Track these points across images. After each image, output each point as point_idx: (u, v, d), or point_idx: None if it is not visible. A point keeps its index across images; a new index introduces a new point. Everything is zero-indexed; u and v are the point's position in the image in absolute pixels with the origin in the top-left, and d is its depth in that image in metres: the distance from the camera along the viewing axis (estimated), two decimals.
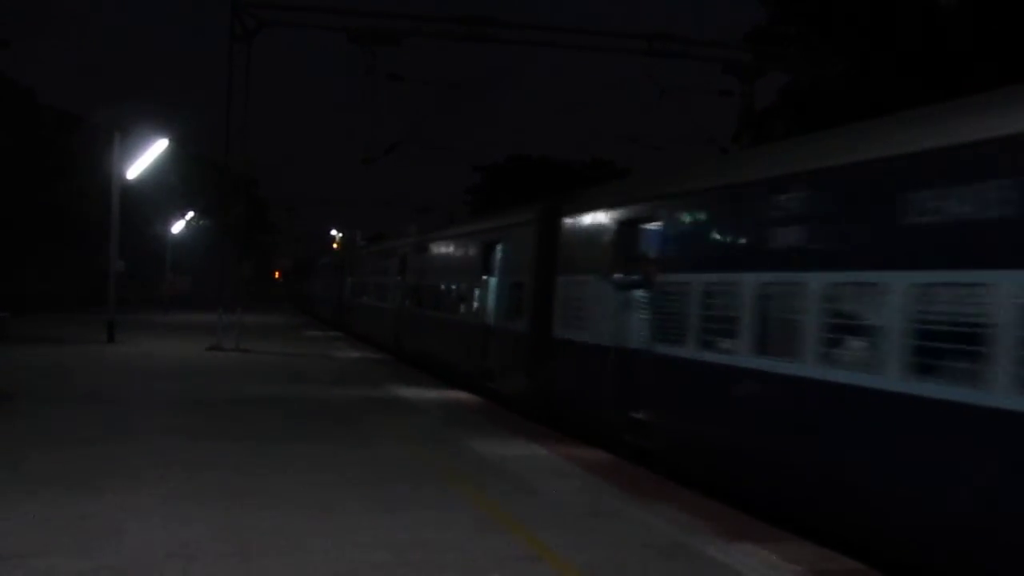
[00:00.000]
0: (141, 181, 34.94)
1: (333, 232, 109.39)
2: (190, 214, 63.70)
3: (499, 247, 19.30)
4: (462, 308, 21.79)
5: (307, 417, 14.86)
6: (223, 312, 29.17)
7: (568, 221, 15.64)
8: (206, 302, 49.50)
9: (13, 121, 44.64)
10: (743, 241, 10.51)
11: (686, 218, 11.82)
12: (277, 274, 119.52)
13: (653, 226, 12.54)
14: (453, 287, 22.96)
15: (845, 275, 8.54)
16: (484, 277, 20.00)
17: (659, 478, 10.94)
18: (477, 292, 20.51)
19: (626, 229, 13.32)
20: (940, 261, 7.54)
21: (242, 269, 49.45)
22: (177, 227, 61.53)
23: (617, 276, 13.24)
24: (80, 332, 31.93)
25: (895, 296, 7.86)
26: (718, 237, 11.19)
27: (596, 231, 14.37)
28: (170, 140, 31.89)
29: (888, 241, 8.16)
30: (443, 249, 24.82)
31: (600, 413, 13.39)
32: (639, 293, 12.65)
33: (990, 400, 6.90)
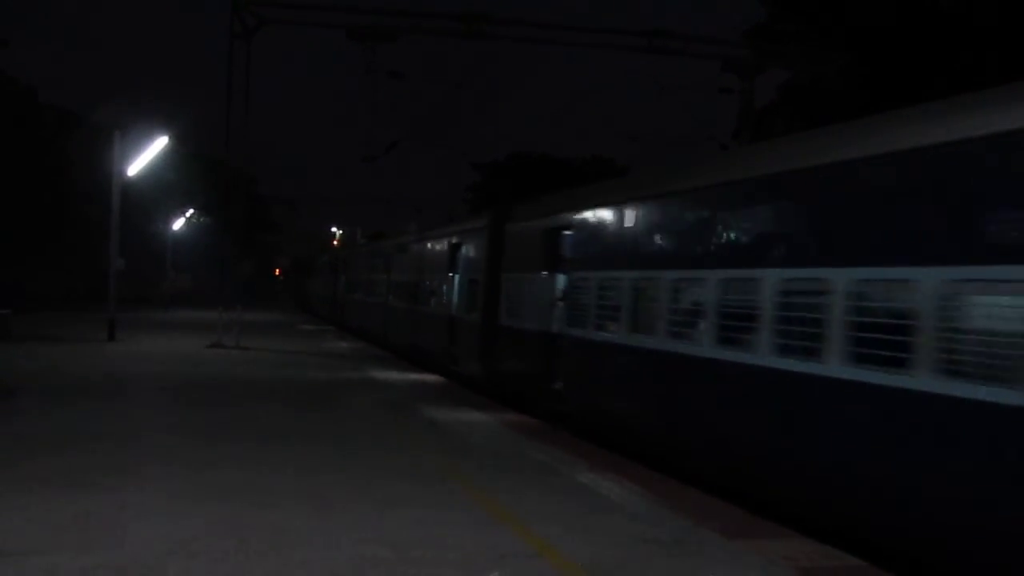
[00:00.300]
0: (141, 179, 34.96)
1: (334, 230, 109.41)
2: (190, 212, 63.73)
3: (461, 249, 22.31)
4: (433, 302, 24.85)
5: (301, 400, 16.35)
6: (223, 310, 29.19)
7: (511, 227, 18.83)
8: (207, 300, 49.53)
9: (14, 120, 44.66)
10: (623, 246, 13.50)
11: (587, 228, 14.88)
12: (278, 272, 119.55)
13: (568, 233, 15.57)
14: (427, 283, 25.98)
15: (683, 272, 11.73)
16: (450, 275, 22.95)
17: (564, 433, 13.99)
18: (445, 288, 23.50)
19: (550, 235, 16.24)
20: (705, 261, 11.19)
21: (242, 267, 49.43)
22: (177, 225, 61.57)
23: (543, 273, 16.32)
24: (81, 330, 31.96)
25: (709, 284, 10.91)
26: (607, 243, 14.13)
27: (530, 237, 17.44)
28: (170, 138, 31.91)
29: (700, 246, 11.51)
30: (420, 250, 27.92)
31: (529, 386, 16.60)
32: (559, 287, 15.66)
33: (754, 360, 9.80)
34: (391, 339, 30.80)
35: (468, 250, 21.82)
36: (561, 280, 15.64)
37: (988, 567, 7.13)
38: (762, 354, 9.67)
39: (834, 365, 8.56)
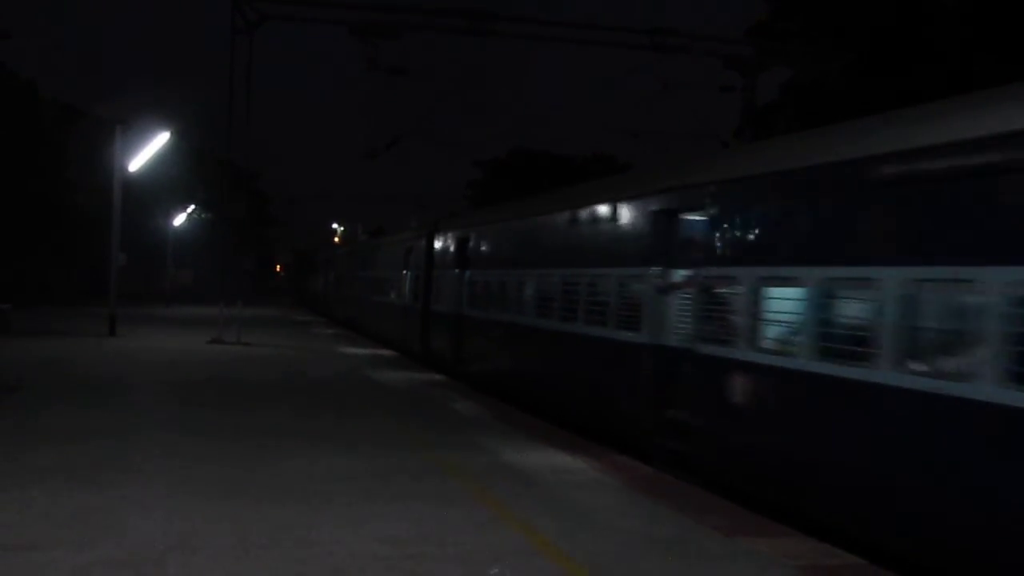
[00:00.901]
0: (143, 174, 34.95)
1: (335, 226, 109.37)
2: (191, 207, 63.74)
3: (411, 252, 27.48)
4: (392, 294, 30.47)
5: (298, 391, 16.86)
6: (224, 306, 29.21)
7: (439, 237, 24.33)
8: (208, 295, 49.58)
9: (15, 114, 44.64)
10: (498, 252, 19.58)
11: (479, 239, 20.71)
12: (279, 268, 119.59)
13: (471, 241, 21.10)
14: (387, 279, 31.54)
15: (530, 271, 16.90)
16: (404, 272, 28.28)
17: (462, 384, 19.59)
18: (399, 283, 29.04)
19: (460, 244, 21.90)
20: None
21: (243, 263, 49.47)
22: (179, 220, 61.58)
23: (455, 271, 21.91)
24: (81, 325, 31.98)
25: (584, 278, 14.55)
26: (490, 249, 20.02)
27: (448, 244, 23.28)
28: (171, 133, 31.90)
29: (537, 253, 16.95)
30: (382, 252, 34.01)
31: (446, 355, 22.35)
32: (464, 281, 21.18)
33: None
34: (364, 326, 36.16)
35: (415, 253, 27.00)
36: (466, 275, 21.16)
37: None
38: (555, 322, 15.41)
39: (580, 324, 14.37)
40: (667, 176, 12.62)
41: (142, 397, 15.96)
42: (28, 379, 17.18)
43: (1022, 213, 6.92)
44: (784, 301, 9.39)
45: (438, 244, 24.21)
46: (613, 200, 13.74)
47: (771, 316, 9.63)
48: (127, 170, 30.95)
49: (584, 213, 14.88)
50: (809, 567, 7.36)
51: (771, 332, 9.63)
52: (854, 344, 8.26)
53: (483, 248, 20.41)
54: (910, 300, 7.74)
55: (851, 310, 8.59)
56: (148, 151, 30.90)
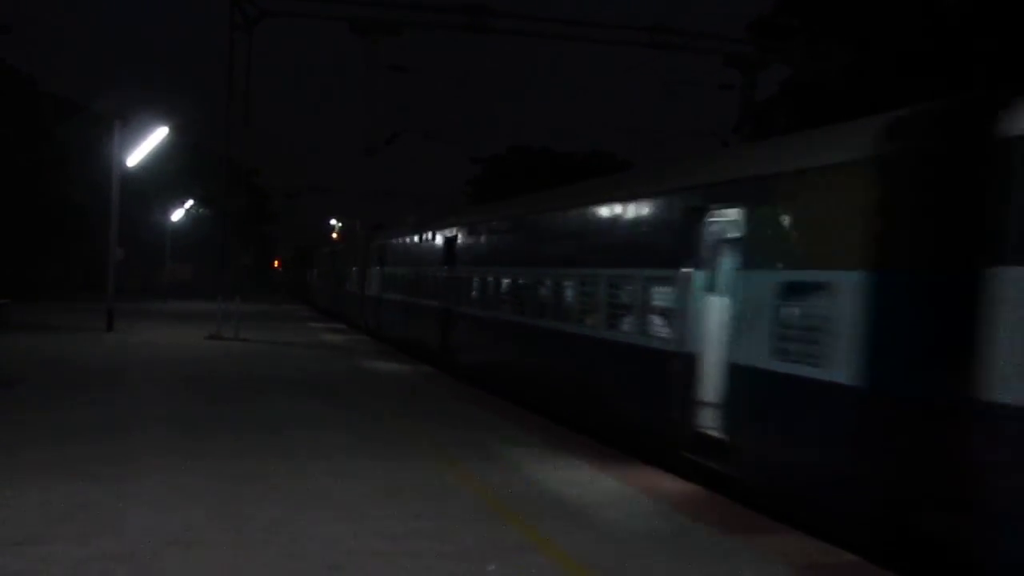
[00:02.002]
0: (141, 169, 34.90)
1: (333, 222, 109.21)
2: (190, 203, 63.65)
3: (369, 248, 33.98)
4: (348, 285, 39.21)
5: (296, 376, 16.52)
6: (222, 301, 29.18)
7: (373, 240, 33.50)
8: (206, 290, 49.52)
9: (13, 109, 44.56)
10: (404, 255, 27.02)
11: (392, 244, 29.16)
12: (277, 263, 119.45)
13: (387, 247, 29.72)
14: (351, 272, 39.00)
15: (416, 268, 25.04)
16: (354, 268, 37.43)
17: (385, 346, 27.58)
18: (358, 275, 36.27)
19: (380, 248, 30.89)
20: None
21: (242, 258, 49.42)
22: (177, 215, 61.49)
23: (377, 268, 30.71)
24: (79, 320, 31.95)
25: (429, 274, 23.73)
26: (400, 252, 27.51)
27: (377, 246, 31.80)
28: (170, 128, 31.84)
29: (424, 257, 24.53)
30: (346, 251, 43.45)
31: (365, 322, 33.13)
32: (386, 273, 29.62)
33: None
34: (337, 313, 44.02)
35: (363, 252, 35.15)
36: (385, 271, 29.86)
37: None
38: (475, 309, 19.35)
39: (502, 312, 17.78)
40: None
41: (140, 392, 15.94)
42: (26, 374, 17.16)
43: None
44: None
45: (373, 246, 32.61)
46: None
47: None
48: (125, 165, 30.89)
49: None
50: (806, 565, 7.37)
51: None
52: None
53: (398, 251, 28.08)
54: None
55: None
56: (146, 146, 30.84)
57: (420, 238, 24.65)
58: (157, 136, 30.68)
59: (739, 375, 9.55)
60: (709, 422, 10.25)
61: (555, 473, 10.19)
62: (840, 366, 8.04)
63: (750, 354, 9.32)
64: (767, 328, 9.08)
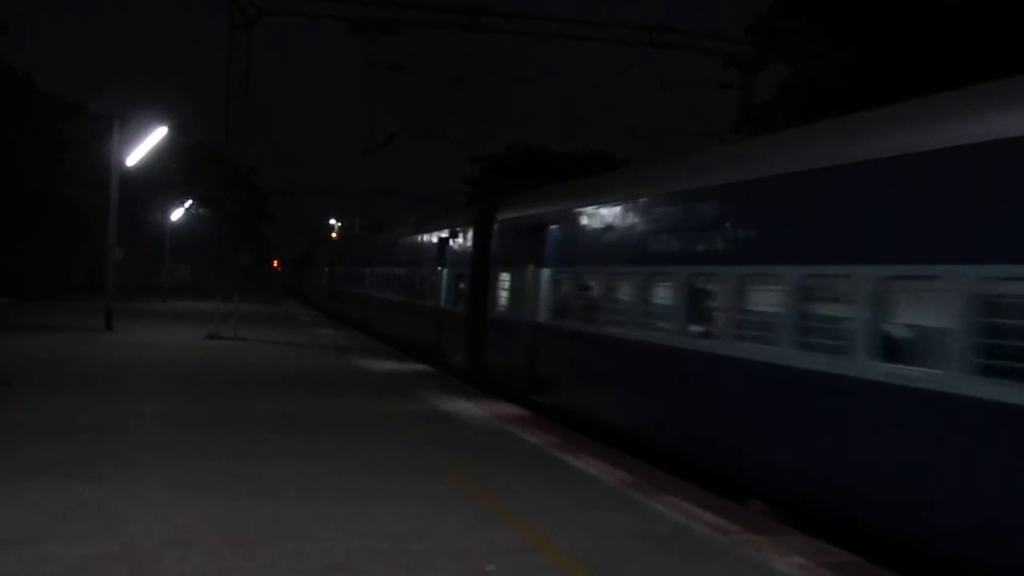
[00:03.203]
0: (140, 169, 34.89)
1: (332, 221, 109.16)
2: (189, 202, 63.62)
3: (348, 256, 43.38)
4: (324, 281, 51.66)
5: (295, 376, 16.84)
6: (221, 301, 29.15)
7: (333, 248, 51.68)
8: (205, 290, 49.49)
9: (12, 108, 44.53)
10: (366, 258, 36.74)
11: (349, 251, 43.89)
12: (276, 263, 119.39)
13: (345, 254, 44.31)
14: (324, 272, 52.24)
15: (386, 268, 32.34)
16: (326, 268, 49.24)
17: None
18: (329, 275, 48.66)
19: (334, 255, 47.32)
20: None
21: (240, 258, 49.42)
22: (176, 215, 61.46)
23: (326, 268, 50.61)
24: (78, 319, 31.92)
25: (394, 272, 32.09)
26: (359, 256, 38.59)
27: (337, 253, 48.16)
28: (169, 128, 31.84)
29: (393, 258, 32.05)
30: (326, 254, 54.66)
31: (332, 311, 46.10)
32: (335, 273, 45.98)
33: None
34: (321, 307, 52.15)
35: (350, 255, 43.81)
36: (337, 271, 43.79)
37: None
38: (429, 301, 24.57)
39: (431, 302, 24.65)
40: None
41: (139, 392, 15.92)
42: (24, 373, 17.13)
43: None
44: None
45: (334, 253, 47.04)
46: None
47: None
48: (124, 164, 30.87)
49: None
50: (806, 565, 7.36)
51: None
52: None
53: (357, 255, 39.53)
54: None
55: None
56: (145, 146, 30.83)
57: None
58: (156, 135, 30.67)
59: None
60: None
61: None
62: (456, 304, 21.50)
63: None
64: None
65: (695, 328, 11.14)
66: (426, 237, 26.14)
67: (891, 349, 8.15)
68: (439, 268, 23.65)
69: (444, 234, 23.63)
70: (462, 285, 21.41)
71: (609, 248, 13.87)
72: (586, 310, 14.35)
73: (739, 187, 10.71)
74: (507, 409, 15.49)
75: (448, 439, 12.24)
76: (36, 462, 9.68)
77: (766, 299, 9.87)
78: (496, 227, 19.31)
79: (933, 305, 7.83)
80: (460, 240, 22.11)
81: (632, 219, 13.29)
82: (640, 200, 13.16)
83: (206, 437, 11.64)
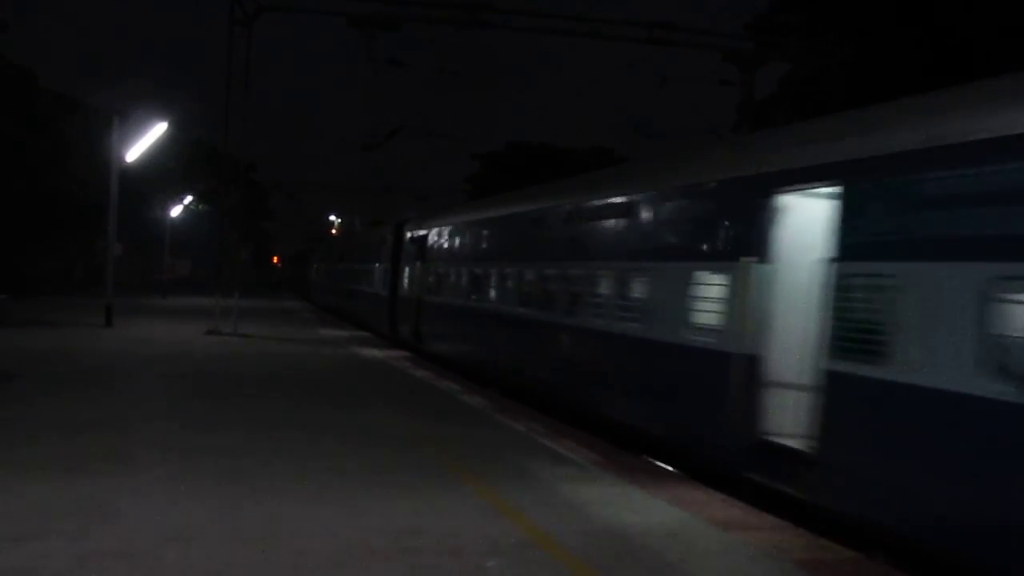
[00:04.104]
0: (140, 165, 34.89)
1: (332, 218, 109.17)
2: (189, 198, 63.60)
3: (324, 254, 56.64)
4: (310, 276, 62.91)
5: (294, 371, 16.84)
6: (221, 297, 29.18)
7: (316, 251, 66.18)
8: (205, 286, 49.51)
9: (12, 104, 44.50)
10: (332, 255, 51.51)
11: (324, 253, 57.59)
12: (276, 259, 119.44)
13: (319, 254, 61.68)
14: (312, 267, 62.56)
15: (346, 264, 43.56)
16: (313, 264, 61.51)
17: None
18: (314, 270, 60.31)
19: (309, 257, 69.18)
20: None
21: (240, 254, 49.40)
22: (176, 211, 61.46)
23: (316, 265, 60.41)
24: (78, 316, 31.94)
25: (342, 268, 45.64)
26: (329, 255, 53.43)
27: (322, 253, 60.22)
28: (169, 124, 31.83)
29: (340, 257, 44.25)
30: (318, 254, 63.52)
31: (307, 296, 62.87)
32: (320, 268, 58.31)
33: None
34: (311, 299, 59.56)
35: (315, 253, 60.89)
36: (319, 267, 57.26)
37: None
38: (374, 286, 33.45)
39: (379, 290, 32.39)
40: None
41: (139, 387, 15.95)
42: (24, 370, 17.15)
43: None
44: None
45: (316, 253, 54.97)
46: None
47: None
48: (124, 160, 30.87)
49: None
50: (805, 561, 7.38)
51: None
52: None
53: (329, 254, 43.98)
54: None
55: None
56: (145, 142, 30.82)
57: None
58: (156, 132, 30.66)
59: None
60: None
61: None
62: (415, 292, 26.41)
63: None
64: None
65: (495, 297, 18.91)
66: (366, 242, 38.82)
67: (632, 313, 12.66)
68: (375, 264, 33.51)
69: (376, 240, 34.34)
70: (384, 276, 30.62)
71: (452, 252, 23.13)
72: (444, 290, 22.85)
73: (511, 216, 19.06)
74: (402, 354, 24.72)
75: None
76: (36, 458, 9.70)
77: (502, 280, 18.55)
78: (404, 236, 28.02)
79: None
80: (384, 245, 31.18)
81: (457, 236, 22.93)
82: (459, 224, 23.01)
83: (206, 432, 11.65)
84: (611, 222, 13.77)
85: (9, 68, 45.96)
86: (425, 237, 25.27)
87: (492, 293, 19.16)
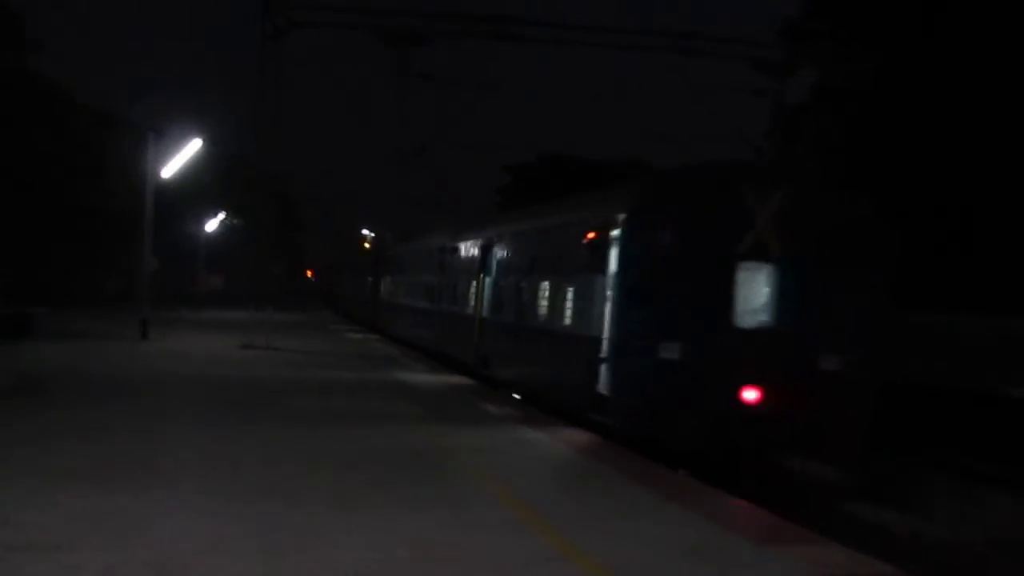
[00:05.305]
0: (175, 180, 35.27)
1: (365, 231, 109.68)
2: (222, 213, 64.28)
3: (343, 269, 63.91)
4: (348, 288, 58.34)
5: (327, 385, 16.82)
6: (254, 310, 29.37)
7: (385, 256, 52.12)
8: (238, 300, 49.91)
9: (50, 121, 45.23)
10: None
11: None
12: (309, 273, 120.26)
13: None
14: (346, 283, 60.00)
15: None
16: (370, 278, 46.91)
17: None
18: (353, 282, 54.75)
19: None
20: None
21: (273, 267, 49.83)
22: (210, 225, 62.12)
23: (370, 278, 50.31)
24: (114, 329, 32.29)
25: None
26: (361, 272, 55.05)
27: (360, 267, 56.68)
28: (203, 140, 32.16)
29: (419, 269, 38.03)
30: (339, 266, 69.91)
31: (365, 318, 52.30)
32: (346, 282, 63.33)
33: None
34: (338, 309, 62.71)
35: (361, 267, 52.32)
36: (343, 280, 62.97)
37: None
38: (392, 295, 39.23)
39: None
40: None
41: (172, 400, 16.06)
42: (60, 382, 17.38)
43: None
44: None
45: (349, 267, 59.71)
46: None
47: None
48: (159, 176, 31.23)
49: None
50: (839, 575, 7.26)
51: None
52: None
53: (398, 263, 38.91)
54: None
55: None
56: (180, 158, 31.18)
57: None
58: (191, 148, 31.00)
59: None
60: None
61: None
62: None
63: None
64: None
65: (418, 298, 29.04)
66: (360, 263, 52.25)
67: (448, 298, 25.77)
68: (370, 278, 41.35)
69: (371, 260, 45.20)
70: (368, 285, 42.30)
71: (400, 268, 34.23)
72: (397, 293, 33.88)
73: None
74: (375, 336, 36.05)
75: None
76: (69, 468, 9.78)
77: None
78: (387, 254, 39.22)
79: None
80: (367, 264, 42.04)
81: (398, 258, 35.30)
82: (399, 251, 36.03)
83: (237, 445, 11.70)
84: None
85: (46, 85, 46.73)
86: (390, 259, 38.18)
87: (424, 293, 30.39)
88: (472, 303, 22.55)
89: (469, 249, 23.26)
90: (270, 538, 7.53)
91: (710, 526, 8.56)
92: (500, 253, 20.70)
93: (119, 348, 25.69)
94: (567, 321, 15.80)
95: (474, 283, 22.17)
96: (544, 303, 17.21)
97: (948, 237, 27.60)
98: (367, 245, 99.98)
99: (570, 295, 15.74)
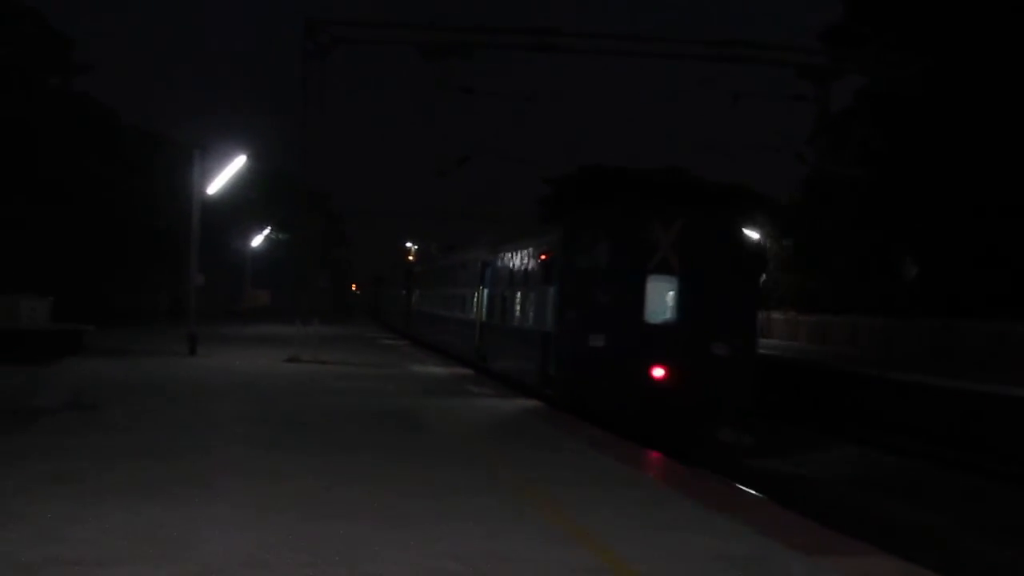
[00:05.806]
0: (221, 197, 35.76)
1: (408, 244, 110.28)
2: (268, 229, 65.02)
3: (386, 282, 71.90)
4: (385, 301, 69.23)
5: (373, 399, 16.91)
6: (301, 324, 29.62)
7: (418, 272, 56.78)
8: (284, 314, 50.39)
9: (99, 142, 46.13)
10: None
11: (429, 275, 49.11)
12: (354, 286, 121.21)
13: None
14: (385, 296, 70.00)
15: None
16: (403, 291, 51.32)
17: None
18: (389, 295, 64.59)
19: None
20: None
21: (318, 281, 50.30)
22: (256, 241, 62.86)
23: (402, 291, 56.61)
24: (162, 344, 32.75)
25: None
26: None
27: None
28: (248, 156, 32.57)
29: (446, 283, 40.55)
30: (381, 279, 78.61)
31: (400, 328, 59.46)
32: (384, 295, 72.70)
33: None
34: (382, 321, 67.82)
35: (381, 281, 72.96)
36: (382, 293, 74.07)
37: None
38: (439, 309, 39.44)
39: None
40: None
41: (220, 415, 16.21)
42: (109, 397, 17.61)
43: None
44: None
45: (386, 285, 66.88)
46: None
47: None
48: (205, 193, 31.68)
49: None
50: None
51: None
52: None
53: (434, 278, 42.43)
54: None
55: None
56: (225, 174, 31.59)
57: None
58: (235, 164, 31.41)
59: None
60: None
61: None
62: None
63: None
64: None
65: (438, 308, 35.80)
66: (395, 278, 57.15)
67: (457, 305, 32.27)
68: (403, 291, 46.86)
69: (404, 275, 52.20)
70: (402, 298, 48.12)
71: (426, 282, 41.82)
72: (423, 304, 39.81)
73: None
74: (405, 342, 41.25)
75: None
76: (117, 483, 9.90)
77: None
78: (415, 271, 45.53)
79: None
80: (401, 278, 49.26)
81: (424, 274, 44.77)
82: (424, 269, 45.43)
83: (285, 459, 11.77)
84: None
85: (95, 108, 47.68)
86: (417, 275, 45.89)
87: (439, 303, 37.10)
88: (474, 310, 28.05)
89: (472, 266, 28.81)
90: (315, 550, 7.54)
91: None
92: (493, 269, 25.82)
93: (167, 364, 26.03)
94: (530, 321, 20.86)
95: (476, 294, 27.82)
96: (518, 308, 22.23)
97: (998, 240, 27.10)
98: (411, 258, 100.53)
99: (532, 301, 20.74)
